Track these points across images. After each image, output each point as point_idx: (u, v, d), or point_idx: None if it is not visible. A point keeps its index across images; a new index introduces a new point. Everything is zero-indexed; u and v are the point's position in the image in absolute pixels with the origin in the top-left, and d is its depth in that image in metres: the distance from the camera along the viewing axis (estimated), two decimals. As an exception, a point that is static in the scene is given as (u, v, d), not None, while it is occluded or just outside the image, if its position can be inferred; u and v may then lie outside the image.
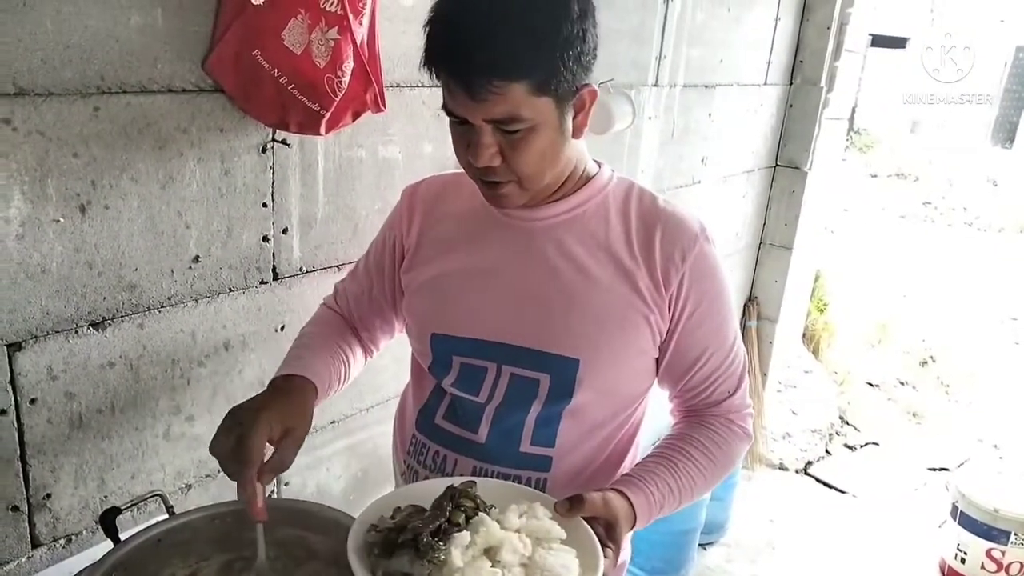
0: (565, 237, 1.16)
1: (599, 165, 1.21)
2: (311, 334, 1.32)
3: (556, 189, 1.16)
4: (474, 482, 1.03)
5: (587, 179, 1.18)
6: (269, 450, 1.04)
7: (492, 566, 0.91)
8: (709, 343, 1.18)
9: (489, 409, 1.20)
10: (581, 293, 1.14)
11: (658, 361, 1.20)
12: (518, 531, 0.96)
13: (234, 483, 1.00)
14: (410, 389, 1.37)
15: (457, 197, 1.24)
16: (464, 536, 0.92)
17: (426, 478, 1.24)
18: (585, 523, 1.01)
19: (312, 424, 1.75)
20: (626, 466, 1.26)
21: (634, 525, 1.09)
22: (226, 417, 1.05)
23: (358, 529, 0.98)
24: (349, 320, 1.36)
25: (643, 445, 1.32)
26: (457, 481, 1.03)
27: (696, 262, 1.13)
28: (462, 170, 1.15)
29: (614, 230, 1.16)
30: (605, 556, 0.98)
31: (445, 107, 1.05)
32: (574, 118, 1.07)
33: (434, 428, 1.26)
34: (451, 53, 0.99)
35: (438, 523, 0.94)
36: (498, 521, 0.96)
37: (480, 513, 0.96)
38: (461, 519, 0.95)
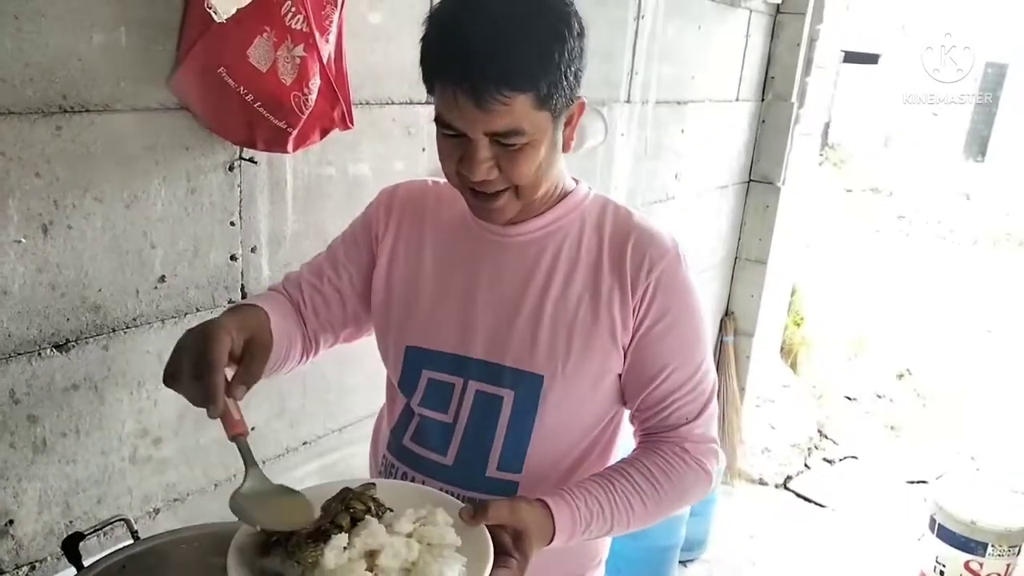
0: (539, 253, 1.15)
1: (576, 182, 1.20)
2: (258, 297, 1.23)
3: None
4: (373, 484, 1.01)
5: (564, 195, 1.17)
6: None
7: (370, 570, 0.90)
8: (670, 360, 1.14)
9: (457, 430, 1.18)
10: (549, 309, 1.13)
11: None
12: (409, 535, 0.94)
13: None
14: (384, 409, 1.35)
15: (436, 208, 1.23)
16: (341, 538, 0.90)
17: None
18: (487, 531, 0.97)
19: (284, 446, 1.75)
20: None
21: (552, 539, 1.05)
22: (178, 341, 0.98)
23: (247, 528, 0.96)
24: (296, 307, 1.26)
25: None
26: (357, 483, 1.01)
27: (664, 275, 1.12)
28: (441, 179, 1.14)
29: (587, 246, 1.15)
30: (506, 566, 0.96)
31: (439, 119, 1.03)
32: (563, 131, 1.08)
33: (402, 449, 1.24)
34: (461, 62, 0.97)
35: (318, 524, 0.92)
36: (390, 525, 0.94)
37: (368, 516, 0.95)
38: (346, 521, 0.93)
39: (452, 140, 1.03)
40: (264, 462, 1.70)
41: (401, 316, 1.22)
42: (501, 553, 0.96)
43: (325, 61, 1.38)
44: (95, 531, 1.17)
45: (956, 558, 2.99)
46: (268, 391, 1.66)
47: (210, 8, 1.16)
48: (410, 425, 1.24)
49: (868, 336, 5.71)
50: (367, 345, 1.83)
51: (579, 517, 1.07)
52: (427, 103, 1.84)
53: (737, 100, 3.32)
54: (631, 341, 1.14)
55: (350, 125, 1.49)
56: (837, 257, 7.67)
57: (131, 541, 1.17)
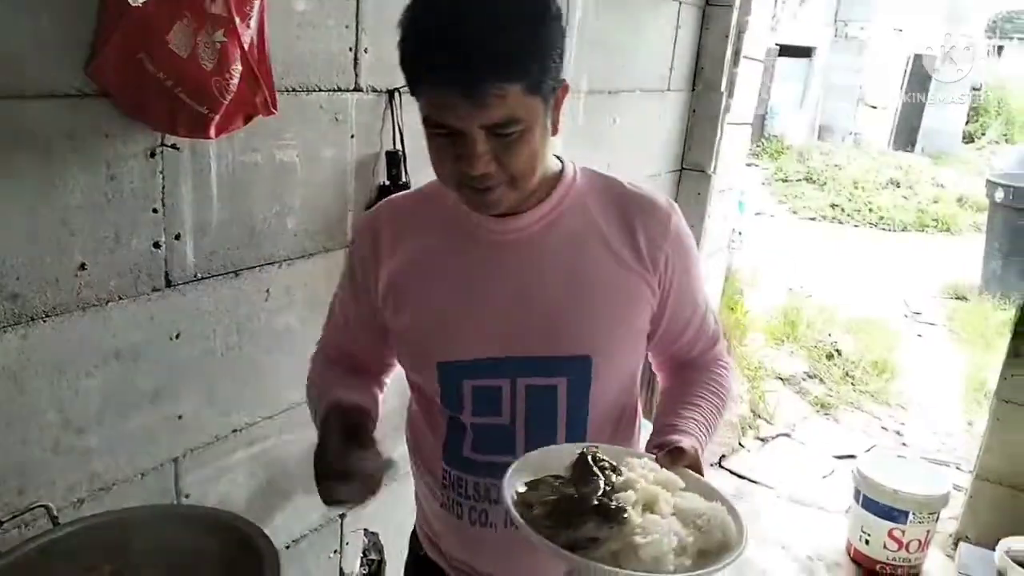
0: (550, 241, 1.16)
1: (560, 160, 1.21)
2: (322, 378, 1.34)
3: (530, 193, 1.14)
4: (597, 446, 1.06)
5: (555, 179, 1.18)
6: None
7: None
8: (695, 302, 1.26)
9: (517, 429, 1.19)
10: (579, 290, 1.15)
11: (651, 334, 1.25)
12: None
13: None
14: (420, 418, 1.32)
15: (427, 218, 1.21)
16: (630, 495, 0.96)
17: (472, 508, 1.24)
18: (690, 471, 1.06)
19: (213, 434, 1.74)
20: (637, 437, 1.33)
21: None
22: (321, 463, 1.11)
23: (522, 512, 0.97)
24: (348, 361, 1.34)
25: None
26: (580, 447, 1.04)
27: (674, 237, 1.20)
28: (413, 189, 1.14)
29: (594, 222, 1.17)
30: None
31: (428, 120, 1.02)
32: (552, 115, 1.08)
33: (465, 461, 1.23)
34: (448, 60, 0.95)
35: (603, 487, 0.97)
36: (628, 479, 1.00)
37: (623, 472, 1.00)
38: (615, 479, 0.98)
39: (445, 139, 1.02)
40: (192, 451, 1.69)
41: (426, 335, 1.20)
42: None
43: (247, 47, 1.38)
44: (14, 518, 1.17)
45: (880, 527, 3.12)
46: (196, 378, 1.65)
47: (124, -9, 1.15)
48: (465, 437, 1.22)
49: (799, 319, 5.88)
50: (296, 331, 1.84)
51: (700, 447, 1.15)
52: (355, 91, 1.85)
53: (668, 90, 3.38)
54: (661, 303, 1.21)
55: (273, 111, 1.49)
56: (772, 244, 7.87)
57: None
